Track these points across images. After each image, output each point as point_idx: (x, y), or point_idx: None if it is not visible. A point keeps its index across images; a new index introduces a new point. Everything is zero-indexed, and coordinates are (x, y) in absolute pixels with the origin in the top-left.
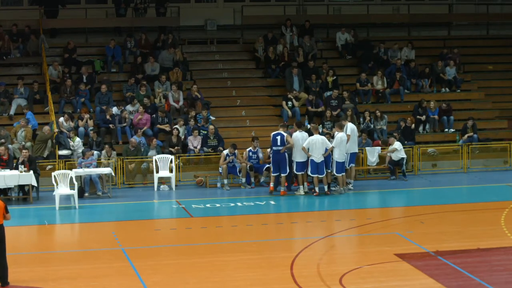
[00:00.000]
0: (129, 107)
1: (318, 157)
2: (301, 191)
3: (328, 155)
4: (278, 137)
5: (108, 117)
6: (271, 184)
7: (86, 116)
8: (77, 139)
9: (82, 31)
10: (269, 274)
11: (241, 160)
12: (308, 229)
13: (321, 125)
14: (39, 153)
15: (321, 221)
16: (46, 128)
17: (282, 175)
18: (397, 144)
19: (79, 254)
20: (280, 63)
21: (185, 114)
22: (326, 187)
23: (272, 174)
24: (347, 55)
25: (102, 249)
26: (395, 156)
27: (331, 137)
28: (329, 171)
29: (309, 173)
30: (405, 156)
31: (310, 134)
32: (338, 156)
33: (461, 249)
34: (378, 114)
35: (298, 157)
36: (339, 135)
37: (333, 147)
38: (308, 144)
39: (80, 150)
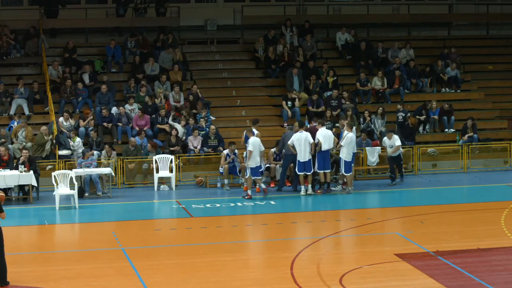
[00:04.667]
0: (127, 106)
1: (303, 155)
2: (303, 191)
3: (326, 155)
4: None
5: (104, 114)
6: (245, 184)
7: (90, 117)
8: (78, 139)
9: (82, 31)
10: (269, 274)
11: (241, 159)
12: (308, 229)
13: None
14: (38, 153)
15: (321, 221)
16: (44, 128)
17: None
18: (395, 138)
19: (79, 254)
20: (280, 63)
21: (184, 115)
22: (309, 187)
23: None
24: (347, 55)
25: (102, 249)
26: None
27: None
28: (329, 171)
29: (297, 171)
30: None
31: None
32: (346, 155)
33: (461, 249)
34: (380, 111)
35: (301, 157)
36: (348, 134)
37: (315, 142)
38: (292, 142)
39: (81, 150)
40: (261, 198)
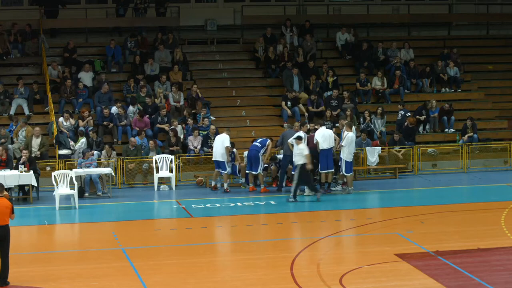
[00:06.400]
0: (130, 108)
1: None
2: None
3: (329, 154)
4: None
5: (104, 114)
6: (251, 184)
7: (88, 117)
8: (83, 139)
9: (82, 31)
10: (269, 274)
11: (240, 160)
12: (308, 229)
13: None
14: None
15: (321, 221)
16: (37, 129)
17: (253, 172)
18: (302, 147)
19: (79, 254)
20: (280, 63)
21: (183, 115)
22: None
23: (249, 172)
24: (347, 55)
25: (102, 249)
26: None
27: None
28: (332, 171)
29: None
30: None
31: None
32: (347, 155)
33: (461, 249)
34: (380, 110)
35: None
36: (349, 134)
37: (314, 144)
38: (292, 141)
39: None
40: (261, 198)
